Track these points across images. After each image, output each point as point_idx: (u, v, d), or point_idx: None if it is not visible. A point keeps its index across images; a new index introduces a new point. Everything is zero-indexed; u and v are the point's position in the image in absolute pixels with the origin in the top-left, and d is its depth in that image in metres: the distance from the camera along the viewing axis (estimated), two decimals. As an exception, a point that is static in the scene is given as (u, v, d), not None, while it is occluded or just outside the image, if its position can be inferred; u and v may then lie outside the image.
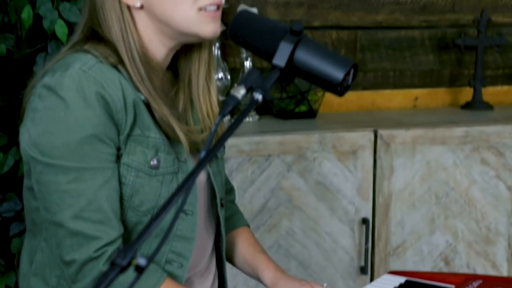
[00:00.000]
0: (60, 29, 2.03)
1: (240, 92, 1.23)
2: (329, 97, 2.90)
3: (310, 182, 2.53)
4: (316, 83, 1.29)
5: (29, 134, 1.39)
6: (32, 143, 1.37)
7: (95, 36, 1.43)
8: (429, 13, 2.98)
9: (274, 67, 1.26)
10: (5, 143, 2.16)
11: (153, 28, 1.43)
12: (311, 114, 2.76)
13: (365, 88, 2.97)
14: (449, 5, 2.99)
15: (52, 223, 1.38)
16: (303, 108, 2.75)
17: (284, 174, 2.51)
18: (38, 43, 2.11)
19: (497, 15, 3.04)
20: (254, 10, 2.66)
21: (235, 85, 1.37)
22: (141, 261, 0.94)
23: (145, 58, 1.43)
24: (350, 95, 2.94)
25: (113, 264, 0.93)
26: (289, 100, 2.73)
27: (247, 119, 2.70)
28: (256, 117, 2.72)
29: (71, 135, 1.34)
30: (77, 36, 1.45)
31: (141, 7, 1.42)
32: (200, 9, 1.41)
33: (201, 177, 1.51)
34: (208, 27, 1.41)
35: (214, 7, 1.42)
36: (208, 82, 1.51)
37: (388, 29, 2.95)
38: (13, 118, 2.15)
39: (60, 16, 2.06)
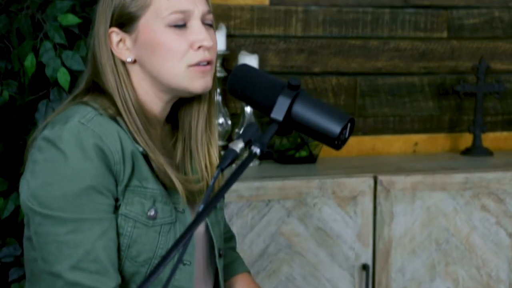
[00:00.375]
0: (63, 77, 2.06)
1: (238, 145, 1.25)
2: (330, 142, 2.92)
3: (310, 227, 2.53)
4: (314, 137, 1.30)
5: (28, 186, 1.40)
6: (31, 194, 1.39)
7: (96, 88, 1.46)
8: (428, 59, 3.01)
9: (272, 120, 1.28)
10: (5, 189, 2.17)
11: (148, 82, 1.46)
12: (311, 159, 2.77)
13: (365, 133, 2.99)
14: (448, 52, 3.03)
15: (50, 274, 1.39)
16: (303, 153, 2.76)
17: (284, 220, 2.51)
18: (41, 90, 2.13)
19: (496, 62, 3.07)
20: (255, 56, 2.69)
21: (235, 135, 1.38)
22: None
23: (141, 110, 1.45)
24: (351, 140, 2.96)
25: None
26: (289, 145, 2.75)
27: (247, 164, 2.71)
28: (257, 162, 2.74)
29: (69, 186, 1.36)
30: (79, 88, 1.48)
31: (134, 61, 1.45)
32: (189, 65, 1.43)
33: (200, 227, 1.52)
34: (198, 82, 1.44)
35: (203, 63, 1.44)
36: (208, 133, 1.52)
37: (388, 75, 2.98)
38: (14, 164, 2.17)
39: (63, 64, 2.08)
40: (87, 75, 1.49)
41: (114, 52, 1.45)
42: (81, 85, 1.49)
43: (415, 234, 2.63)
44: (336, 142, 1.28)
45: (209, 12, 1.46)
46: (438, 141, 3.06)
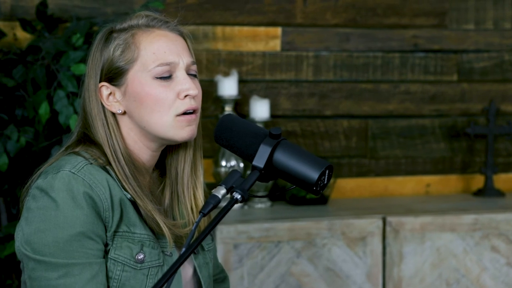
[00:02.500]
0: (75, 124, 2.15)
1: (220, 192, 1.33)
2: (342, 183, 2.98)
3: (320, 268, 2.58)
4: (294, 183, 1.37)
5: (23, 233, 1.48)
6: (25, 241, 1.46)
7: (87, 139, 1.54)
8: (439, 102, 3.06)
9: (254, 168, 1.35)
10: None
11: (136, 132, 1.54)
12: (322, 200, 2.83)
13: (377, 174, 3.04)
14: (458, 95, 3.08)
15: (43, 318, 1.46)
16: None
17: (293, 260, 2.56)
18: (54, 137, 2.23)
19: (506, 105, 3.11)
20: (266, 101, 2.77)
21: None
22: None
23: (130, 159, 1.53)
24: (363, 182, 3.01)
25: None
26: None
27: (259, 205, 2.78)
28: (269, 203, 2.80)
29: (60, 233, 1.44)
30: (71, 139, 1.57)
31: (124, 112, 1.53)
32: (176, 115, 1.51)
33: (188, 270, 1.59)
34: (183, 131, 1.51)
35: (190, 111, 1.52)
36: (194, 177, 1.59)
37: (399, 117, 3.04)
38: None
39: (75, 112, 2.19)
40: (78, 127, 1.58)
41: (104, 105, 1.53)
42: (73, 136, 1.57)
43: (425, 275, 2.65)
44: (314, 188, 1.35)
45: (193, 63, 1.54)
46: (450, 183, 3.10)
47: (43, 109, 2.14)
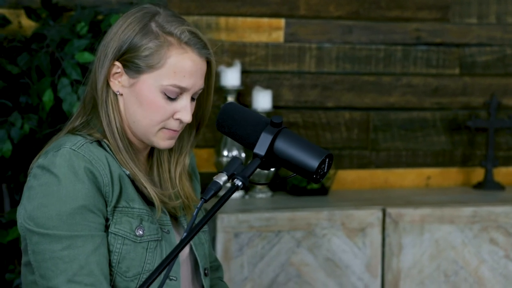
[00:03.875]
0: (78, 111, 2.18)
1: (222, 178, 1.36)
2: (343, 174, 3.00)
3: (320, 258, 2.60)
4: (294, 171, 1.39)
5: (25, 210, 1.53)
6: (28, 217, 1.51)
7: (85, 118, 1.59)
8: (441, 95, 3.08)
9: (255, 155, 1.37)
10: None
11: (128, 115, 1.59)
12: (323, 191, 2.85)
13: (378, 166, 3.05)
14: (460, 88, 3.09)
15: (48, 289, 1.50)
16: (315, 185, 2.84)
17: (293, 250, 2.59)
18: (58, 124, 2.26)
19: (508, 99, 3.13)
20: (269, 92, 2.79)
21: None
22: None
23: (124, 133, 1.58)
24: (364, 173, 3.03)
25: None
26: (301, 177, 2.83)
27: (260, 195, 2.80)
28: (270, 193, 2.82)
29: (63, 206, 1.48)
30: (70, 120, 1.62)
31: (121, 94, 1.57)
32: (163, 127, 1.56)
33: (184, 249, 1.62)
34: (163, 142, 1.58)
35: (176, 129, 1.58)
36: (177, 154, 1.64)
37: (401, 110, 3.06)
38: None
39: (79, 99, 2.21)
40: (80, 107, 1.63)
41: (108, 80, 1.57)
42: (72, 117, 1.63)
43: (424, 266, 2.68)
44: (314, 176, 1.37)
45: (201, 89, 1.59)
46: (451, 175, 3.12)
47: (47, 97, 2.17)
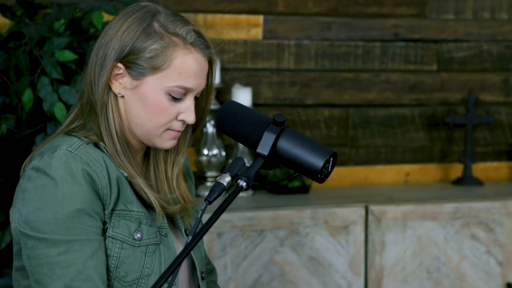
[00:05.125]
0: (59, 111, 2.12)
1: (225, 179, 1.32)
2: (322, 172, 2.97)
3: (303, 256, 2.58)
4: (298, 171, 1.36)
5: (19, 213, 1.47)
6: (23, 220, 1.46)
7: (82, 118, 1.54)
8: (419, 91, 3.07)
9: (258, 155, 1.34)
10: (3, 220, 2.22)
11: (127, 120, 1.55)
12: (304, 189, 2.82)
13: (357, 163, 3.04)
14: (438, 84, 3.09)
15: (44, 296, 1.44)
16: (296, 183, 2.81)
17: (277, 249, 2.56)
18: (38, 124, 2.19)
19: (485, 94, 3.14)
20: (248, 89, 2.76)
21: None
22: None
23: (123, 136, 1.53)
24: (343, 171, 3.01)
25: None
26: (282, 176, 2.80)
27: (241, 194, 2.76)
28: (250, 192, 2.79)
29: (60, 210, 1.43)
30: (66, 121, 1.56)
31: (122, 96, 1.53)
32: (167, 128, 1.53)
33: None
34: (167, 143, 1.55)
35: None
36: (173, 156, 1.61)
37: (379, 107, 3.04)
38: (12, 196, 2.22)
39: (60, 99, 2.15)
40: (74, 107, 1.57)
41: (109, 82, 1.52)
42: (67, 119, 1.57)
43: (407, 263, 2.67)
44: (319, 175, 1.34)
45: (203, 88, 1.56)
46: (429, 171, 3.12)
47: (27, 96, 2.10)
